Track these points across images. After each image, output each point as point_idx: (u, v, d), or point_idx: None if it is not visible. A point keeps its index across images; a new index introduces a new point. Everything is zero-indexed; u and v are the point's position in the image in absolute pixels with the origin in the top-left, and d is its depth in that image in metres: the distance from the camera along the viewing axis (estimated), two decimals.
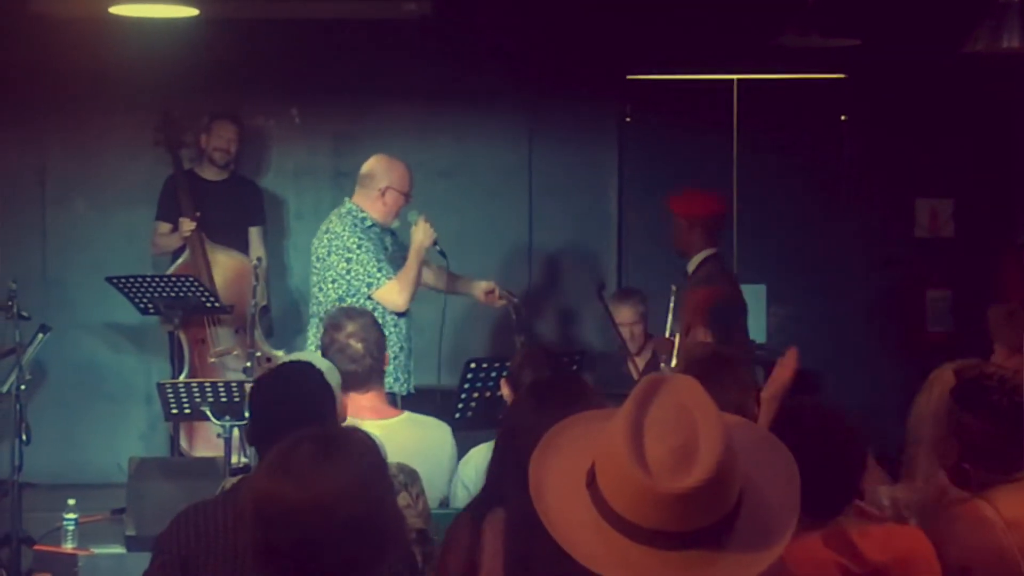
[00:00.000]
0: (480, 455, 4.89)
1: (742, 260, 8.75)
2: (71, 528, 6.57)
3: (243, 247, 8.25)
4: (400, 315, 6.82)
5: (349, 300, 6.66)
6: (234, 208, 8.32)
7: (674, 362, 6.82)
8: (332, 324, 5.25)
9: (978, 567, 3.33)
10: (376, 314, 6.06)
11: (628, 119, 9.03)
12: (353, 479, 2.54)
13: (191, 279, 7.68)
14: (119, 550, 6.44)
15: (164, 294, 7.63)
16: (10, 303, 7.11)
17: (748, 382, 4.47)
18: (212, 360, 7.81)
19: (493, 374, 6.09)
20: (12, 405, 7.04)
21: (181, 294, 7.62)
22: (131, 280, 7.67)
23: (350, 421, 4.56)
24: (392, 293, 6.77)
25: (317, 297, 6.91)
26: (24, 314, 7.16)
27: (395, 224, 7.04)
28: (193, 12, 7.50)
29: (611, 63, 8.82)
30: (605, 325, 7.75)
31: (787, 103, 8.92)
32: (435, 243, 6.90)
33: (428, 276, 7.23)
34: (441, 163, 8.82)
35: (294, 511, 2.51)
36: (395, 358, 6.73)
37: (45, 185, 8.73)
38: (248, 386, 4.56)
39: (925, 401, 3.58)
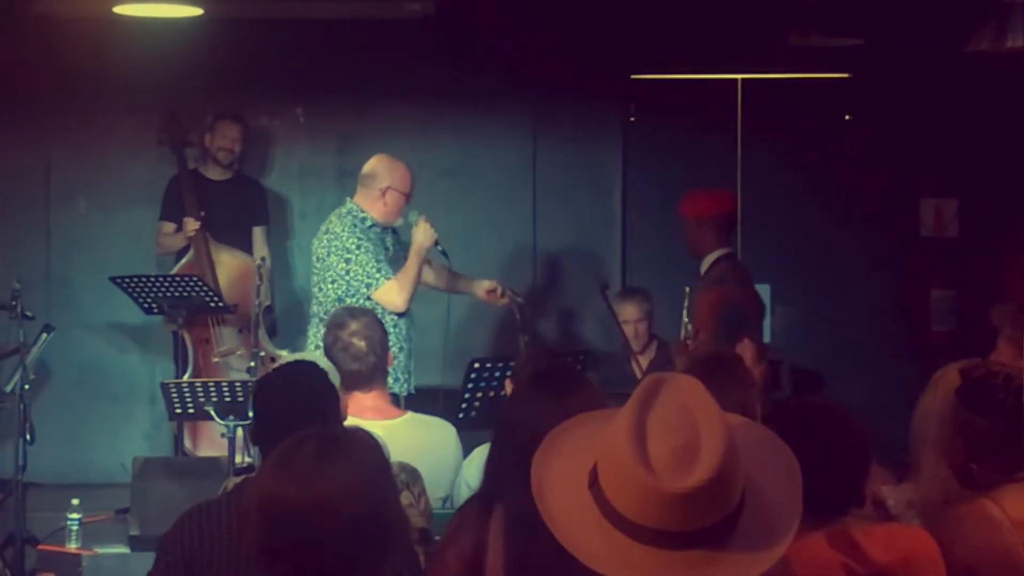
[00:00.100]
0: (483, 455, 4.88)
1: (746, 260, 8.70)
2: (75, 528, 6.58)
3: (247, 247, 8.25)
4: (400, 315, 6.82)
5: (348, 300, 6.66)
6: (238, 208, 8.33)
7: None
8: (335, 323, 5.25)
9: (984, 567, 3.32)
10: None
11: (632, 119, 9.03)
12: (356, 479, 2.54)
13: (195, 279, 7.68)
14: (123, 550, 6.44)
15: (168, 294, 7.63)
16: (14, 303, 7.10)
17: (750, 382, 4.47)
18: (216, 360, 7.82)
19: (497, 374, 6.09)
20: (16, 405, 7.03)
21: (185, 294, 7.62)
22: (135, 280, 7.68)
23: (354, 421, 4.56)
24: (391, 294, 6.76)
25: (317, 297, 6.91)
26: (28, 314, 7.16)
27: (398, 223, 7.04)
28: (197, 12, 7.51)
29: (615, 62, 8.82)
30: (609, 325, 7.75)
31: (791, 103, 8.92)
32: (436, 243, 6.90)
33: (428, 275, 7.23)
34: (445, 163, 8.82)
35: (297, 511, 2.51)
36: (394, 358, 6.72)
37: (49, 185, 8.73)
38: (252, 385, 4.57)
39: (930, 401, 3.57)
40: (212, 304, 7.71)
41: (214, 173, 8.36)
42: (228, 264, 8.09)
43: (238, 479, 4.02)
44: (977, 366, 3.55)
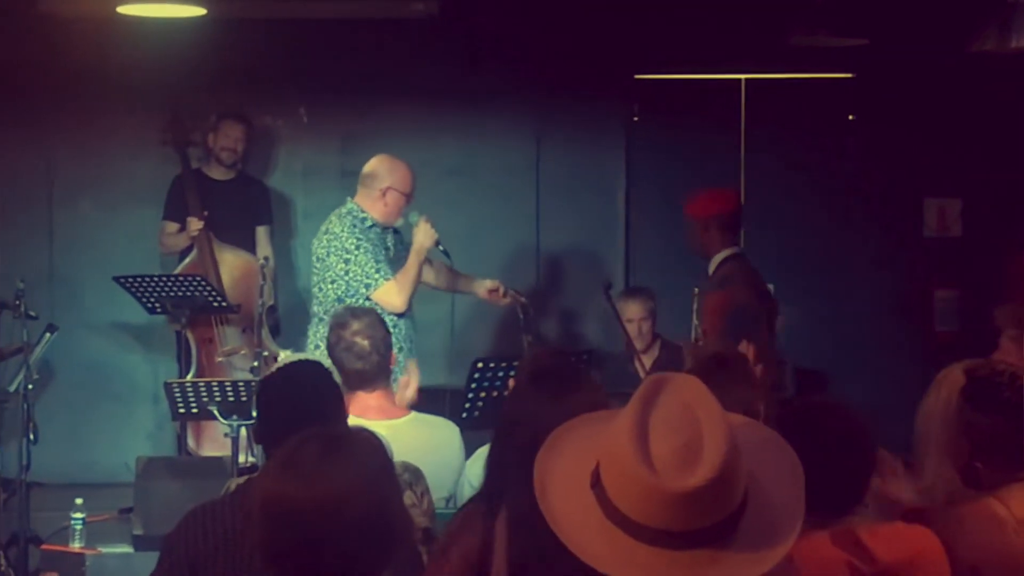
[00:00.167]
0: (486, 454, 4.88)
1: (749, 260, 8.73)
2: (78, 527, 6.59)
3: (250, 246, 8.26)
4: (399, 316, 6.81)
5: (348, 300, 6.66)
6: (241, 207, 8.33)
7: None
8: (338, 323, 5.24)
9: (988, 566, 3.32)
10: None
11: (635, 118, 9.03)
12: (359, 479, 2.54)
13: (198, 278, 7.69)
14: (126, 549, 6.45)
15: (171, 293, 7.64)
16: (17, 302, 7.11)
17: (753, 381, 4.46)
18: (219, 359, 7.82)
19: (500, 374, 6.09)
20: (20, 404, 7.04)
21: (188, 293, 7.63)
22: (138, 279, 7.68)
23: (357, 421, 4.56)
24: (390, 294, 6.74)
25: (317, 297, 6.91)
26: (31, 313, 7.17)
27: (399, 223, 7.02)
28: (200, 12, 7.51)
29: (619, 62, 8.82)
30: (612, 325, 7.75)
31: (795, 103, 8.91)
32: (437, 243, 6.89)
33: (429, 275, 7.22)
34: (448, 162, 8.82)
35: (300, 511, 2.51)
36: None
37: (52, 184, 8.74)
38: (255, 385, 4.57)
39: (933, 401, 3.57)
40: (215, 304, 7.71)
41: (217, 173, 8.37)
42: (231, 264, 8.09)
43: (240, 479, 4.03)
44: (982, 365, 3.54)
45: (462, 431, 5.35)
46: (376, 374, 5.14)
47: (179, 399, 6.57)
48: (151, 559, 3.62)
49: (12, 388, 7.25)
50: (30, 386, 7.06)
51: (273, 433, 3.60)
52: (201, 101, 8.38)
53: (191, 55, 8.24)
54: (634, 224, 9.02)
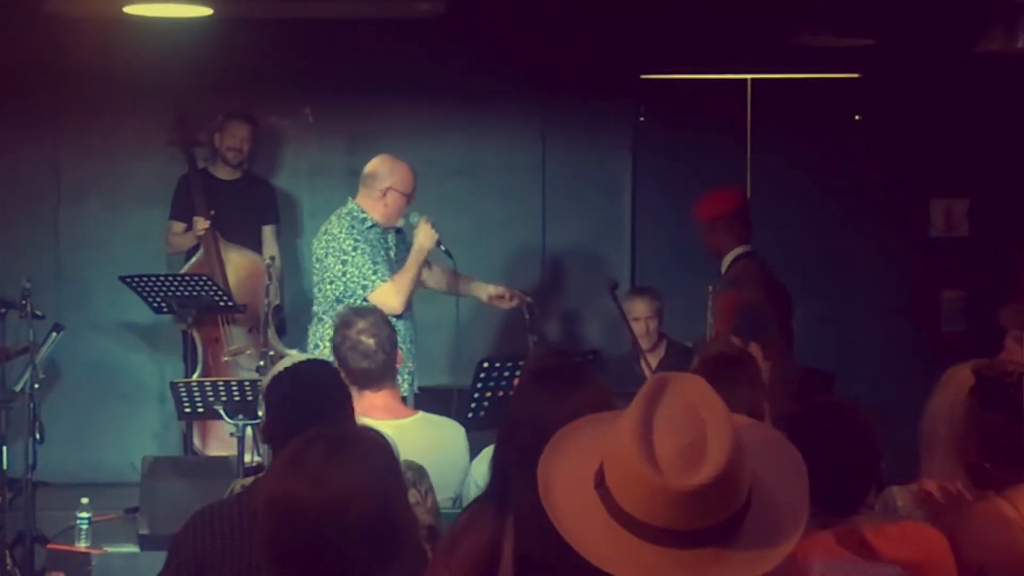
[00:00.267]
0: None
1: (761, 257, 8.72)
2: (84, 527, 6.59)
3: (257, 246, 8.26)
4: (398, 317, 6.79)
5: (346, 301, 6.65)
6: (248, 207, 8.34)
7: None
8: (343, 322, 5.24)
9: (995, 566, 3.31)
10: None
11: (642, 118, 9.02)
12: (365, 479, 2.54)
13: (205, 278, 7.69)
14: (132, 549, 6.45)
15: (178, 293, 7.64)
16: (24, 302, 7.11)
17: (758, 381, 4.46)
18: (225, 359, 7.82)
19: (506, 374, 6.09)
20: (26, 404, 7.05)
21: (195, 293, 7.63)
22: (145, 279, 7.69)
23: (364, 421, 4.55)
24: (387, 296, 6.69)
25: (317, 297, 6.90)
26: (38, 313, 7.17)
27: (400, 223, 7.01)
28: (207, 11, 7.51)
29: (625, 62, 8.81)
30: (618, 325, 7.74)
31: (801, 103, 8.90)
32: (439, 244, 6.87)
33: (430, 278, 7.20)
34: (454, 162, 8.82)
35: (305, 510, 2.51)
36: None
37: (59, 184, 8.74)
38: (261, 385, 4.56)
39: (940, 401, 3.57)
40: (221, 303, 7.71)
41: (224, 172, 8.37)
42: (237, 263, 8.10)
43: (245, 481, 4.03)
44: (990, 365, 3.54)
45: (468, 431, 5.35)
46: (382, 373, 5.13)
47: (185, 399, 6.58)
48: (157, 559, 3.62)
49: (18, 388, 7.25)
50: (36, 386, 7.06)
51: (281, 432, 3.60)
52: (207, 101, 8.38)
53: (197, 55, 8.24)
54: (640, 224, 9.01)
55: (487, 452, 5.03)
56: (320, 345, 6.68)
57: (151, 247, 8.50)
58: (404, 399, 6.50)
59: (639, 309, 7.72)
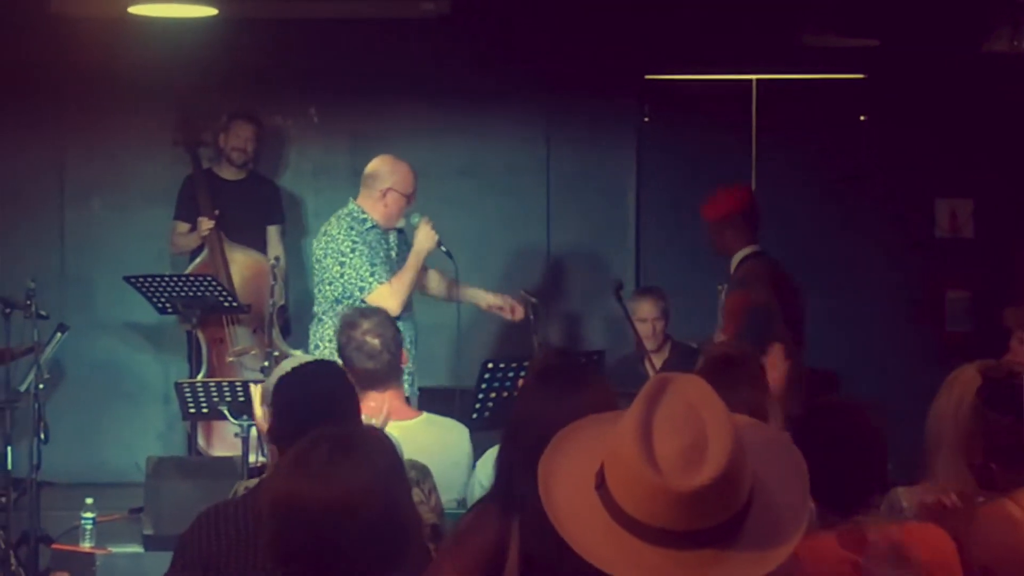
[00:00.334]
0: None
1: (770, 256, 8.72)
2: (89, 527, 6.60)
3: (261, 246, 8.26)
4: (398, 317, 6.77)
5: (345, 302, 6.65)
6: (252, 207, 8.34)
7: None
8: (347, 323, 5.23)
9: (1001, 567, 3.31)
10: None
11: (646, 119, 9.02)
12: (370, 480, 2.53)
13: (209, 278, 7.69)
14: (137, 549, 6.46)
15: (182, 293, 7.64)
16: (28, 302, 7.12)
17: (761, 381, 4.45)
18: (230, 359, 7.82)
19: (511, 374, 6.09)
20: (30, 404, 7.05)
21: (199, 293, 7.63)
22: (149, 279, 7.69)
23: (370, 422, 4.55)
24: (383, 298, 6.66)
25: (317, 298, 6.90)
26: (42, 313, 7.18)
27: (401, 224, 7.00)
28: (212, 12, 7.52)
29: (629, 63, 8.81)
30: (623, 326, 7.74)
31: (806, 103, 8.90)
32: (439, 245, 6.85)
33: (430, 284, 7.19)
34: (458, 162, 8.82)
35: (310, 511, 2.51)
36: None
37: (63, 184, 8.75)
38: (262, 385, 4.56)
39: (945, 401, 3.56)
40: (226, 304, 7.72)
41: (228, 173, 8.37)
42: (242, 263, 8.10)
43: (249, 483, 4.03)
44: (997, 366, 3.54)
45: (472, 432, 5.35)
46: (388, 374, 5.12)
47: (189, 399, 6.58)
48: (161, 559, 3.63)
49: (23, 388, 7.26)
50: (41, 386, 7.07)
51: (288, 433, 3.59)
52: (212, 101, 8.39)
53: (202, 55, 8.25)
54: (644, 225, 9.01)
55: (492, 453, 5.03)
56: (320, 345, 6.69)
57: (156, 247, 8.51)
58: (407, 399, 6.51)
59: (645, 310, 7.72)
